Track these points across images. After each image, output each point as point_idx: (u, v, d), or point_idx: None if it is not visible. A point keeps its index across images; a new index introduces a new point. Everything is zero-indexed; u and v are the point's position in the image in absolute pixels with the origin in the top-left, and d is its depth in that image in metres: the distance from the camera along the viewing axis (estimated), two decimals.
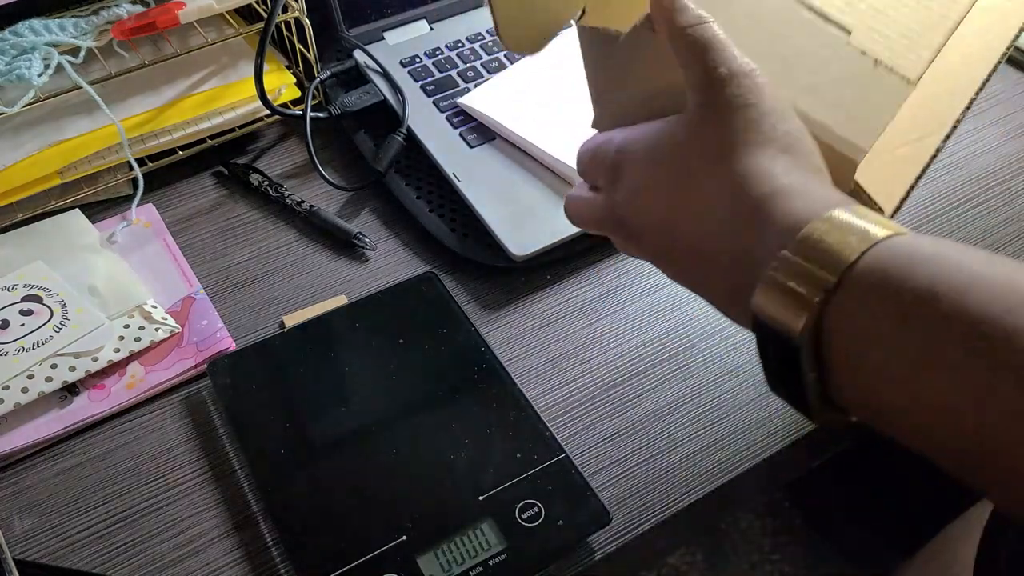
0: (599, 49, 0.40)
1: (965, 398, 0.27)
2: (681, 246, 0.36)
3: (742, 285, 0.33)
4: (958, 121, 0.42)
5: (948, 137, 0.42)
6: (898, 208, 0.41)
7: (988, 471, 0.27)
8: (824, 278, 0.30)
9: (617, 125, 0.40)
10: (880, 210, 0.40)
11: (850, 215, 0.31)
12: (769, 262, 0.31)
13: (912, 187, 0.41)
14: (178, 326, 0.57)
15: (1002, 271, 0.27)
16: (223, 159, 0.69)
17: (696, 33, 0.36)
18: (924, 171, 0.42)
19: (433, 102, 0.69)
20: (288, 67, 0.71)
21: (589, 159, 0.40)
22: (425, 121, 0.68)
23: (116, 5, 0.65)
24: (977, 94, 0.43)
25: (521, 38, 0.39)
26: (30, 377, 0.53)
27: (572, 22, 0.41)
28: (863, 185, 0.39)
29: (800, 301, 0.30)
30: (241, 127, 0.70)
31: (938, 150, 0.42)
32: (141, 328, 0.56)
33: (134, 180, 0.65)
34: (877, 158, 0.39)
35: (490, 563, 0.45)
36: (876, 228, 0.30)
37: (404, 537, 0.46)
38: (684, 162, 0.36)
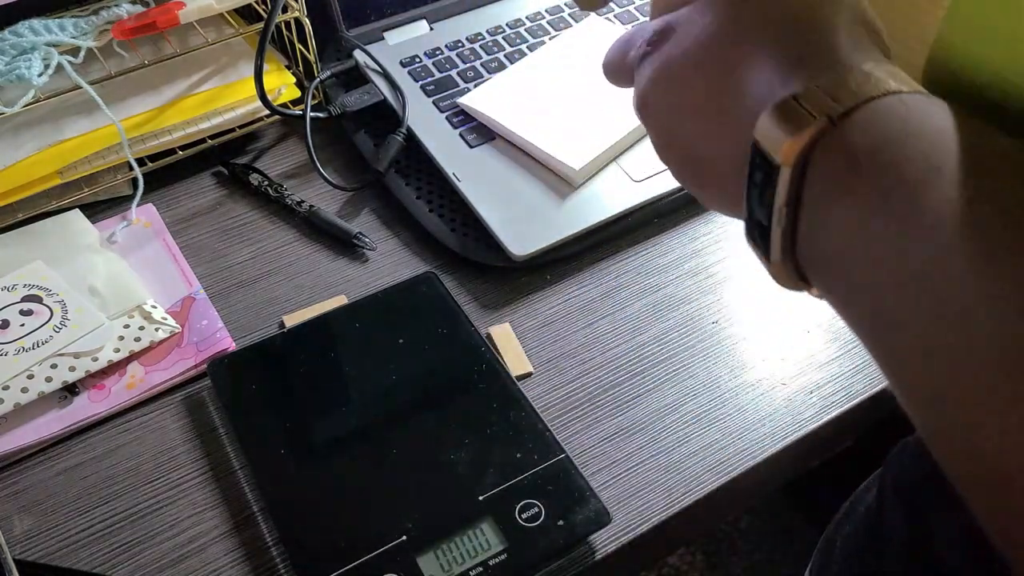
0: None
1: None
2: (707, 100, 0.33)
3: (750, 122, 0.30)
4: None
5: None
6: None
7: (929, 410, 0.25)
8: (830, 105, 0.27)
9: None
10: None
11: (889, 68, 0.28)
12: (788, 91, 0.29)
13: None
14: (178, 326, 0.57)
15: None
16: (223, 159, 0.69)
17: None
18: None
19: (433, 102, 0.69)
20: (288, 67, 0.71)
21: (628, 38, 0.37)
22: (425, 121, 0.68)
23: (116, 5, 0.65)
24: None
25: None
26: (30, 377, 0.53)
27: None
28: None
29: (798, 121, 0.27)
30: (241, 127, 0.70)
31: None
32: (141, 328, 0.56)
33: (134, 180, 0.65)
34: None
35: (490, 563, 0.45)
36: (905, 85, 0.27)
37: (404, 537, 0.46)
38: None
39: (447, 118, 0.68)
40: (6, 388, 0.52)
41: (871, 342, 0.27)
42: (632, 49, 0.36)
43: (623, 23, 0.75)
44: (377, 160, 0.66)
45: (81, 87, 0.61)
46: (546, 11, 0.77)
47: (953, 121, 0.26)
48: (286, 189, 0.67)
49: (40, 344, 0.54)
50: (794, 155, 0.27)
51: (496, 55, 0.73)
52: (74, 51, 0.62)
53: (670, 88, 0.34)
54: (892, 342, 0.26)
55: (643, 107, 0.36)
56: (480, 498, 0.47)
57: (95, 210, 0.66)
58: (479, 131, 0.67)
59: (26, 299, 0.57)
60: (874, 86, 0.27)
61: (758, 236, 0.30)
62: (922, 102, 0.27)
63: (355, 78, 0.72)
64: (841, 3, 0.31)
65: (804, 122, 0.27)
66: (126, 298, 0.58)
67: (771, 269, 0.30)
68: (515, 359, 0.56)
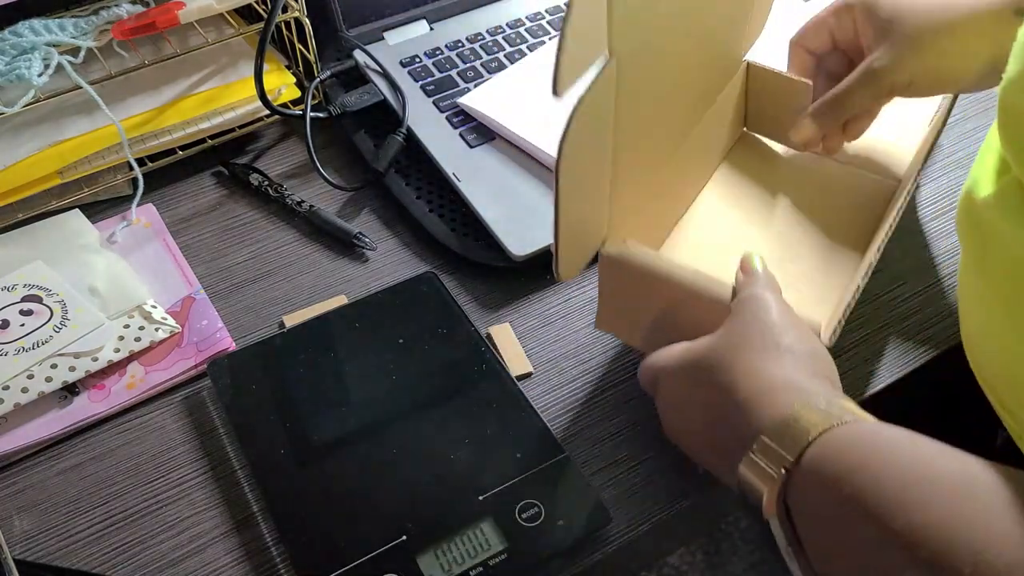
0: (617, 272, 0.49)
1: None
2: (698, 435, 0.44)
3: (736, 461, 0.39)
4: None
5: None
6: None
7: None
8: (783, 458, 0.35)
9: (618, 329, 0.53)
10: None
11: (823, 403, 0.36)
12: (752, 443, 0.37)
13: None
14: (178, 326, 0.57)
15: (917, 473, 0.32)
16: (223, 159, 0.69)
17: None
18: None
19: (433, 102, 0.69)
20: (288, 67, 0.71)
21: (640, 374, 0.48)
22: (425, 121, 0.68)
23: (116, 5, 0.65)
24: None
25: (571, 271, 0.47)
26: (30, 377, 0.53)
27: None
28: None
29: (766, 476, 0.36)
30: (241, 127, 0.70)
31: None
32: (141, 328, 0.56)
33: (134, 180, 0.65)
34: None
35: (490, 563, 0.45)
36: (836, 415, 0.36)
37: (404, 537, 0.46)
38: (705, 372, 0.42)
39: (447, 118, 0.68)
40: (6, 388, 0.52)
41: None
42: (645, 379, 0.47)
43: None
44: (377, 160, 0.66)
45: (81, 87, 0.61)
46: (546, 11, 0.77)
47: (885, 451, 0.34)
48: (286, 189, 0.67)
49: (40, 344, 0.54)
50: (772, 508, 0.36)
51: (496, 55, 0.73)
52: (74, 51, 0.62)
53: (674, 416, 0.45)
54: None
55: (661, 415, 0.46)
56: (480, 498, 0.47)
57: (95, 210, 0.66)
58: (479, 131, 0.67)
59: (26, 299, 0.57)
60: (816, 424, 0.35)
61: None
62: (853, 434, 0.35)
63: (355, 78, 0.72)
64: (785, 354, 0.40)
65: (768, 476, 0.36)
66: (126, 298, 0.58)
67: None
68: (515, 359, 0.56)
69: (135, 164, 0.64)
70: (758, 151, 0.64)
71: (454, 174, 0.64)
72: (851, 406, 0.37)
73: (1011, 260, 0.39)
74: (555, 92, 0.40)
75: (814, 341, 0.42)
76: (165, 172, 0.68)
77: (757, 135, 0.65)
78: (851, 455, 0.34)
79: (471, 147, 0.66)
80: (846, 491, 0.33)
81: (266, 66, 0.65)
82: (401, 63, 0.72)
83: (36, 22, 0.62)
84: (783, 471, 0.35)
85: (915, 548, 0.30)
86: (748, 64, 0.61)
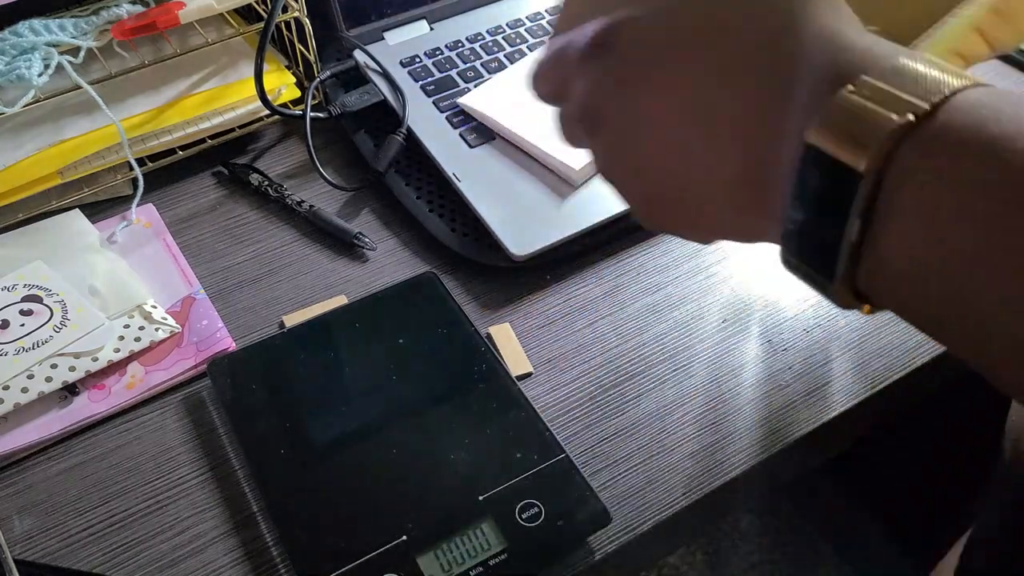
0: None
1: None
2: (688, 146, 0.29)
3: (773, 141, 0.26)
4: None
5: None
6: None
7: None
8: (914, 104, 0.24)
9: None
10: None
11: (942, 64, 0.25)
12: (835, 90, 0.25)
13: None
14: (178, 326, 0.57)
15: None
16: (223, 159, 0.69)
17: None
18: None
19: (433, 102, 0.69)
20: (288, 67, 0.71)
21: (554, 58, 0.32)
22: (425, 121, 0.68)
23: (116, 5, 0.65)
24: None
25: None
26: (30, 377, 0.53)
27: None
28: None
29: (879, 124, 0.24)
30: (241, 127, 0.70)
31: None
32: (141, 328, 0.56)
33: (134, 180, 0.65)
34: None
35: (490, 563, 0.45)
36: (967, 79, 0.25)
37: (404, 537, 0.46)
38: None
39: (447, 118, 0.68)
40: (6, 388, 0.52)
41: (959, 341, 0.25)
42: (568, 57, 0.31)
43: None
44: (377, 160, 0.66)
45: (81, 87, 0.61)
46: (546, 11, 0.77)
47: None
48: (286, 189, 0.67)
49: (40, 344, 0.54)
50: (881, 158, 0.24)
51: (496, 55, 0.73)
52: (74, 51, 0.62)
53: (636, 96, 0.29)
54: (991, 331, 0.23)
55: (592, 119, 0.31)
56: (480, 498, 0.47)
57: (95, 210, 0.66)
58: (479, 131, 0.67)
59: (26, 299, 0.57)
60: (943, 82, 0.24)
61: (813, 255, 0.27)
62: (998, 94, 0.24)
63: (355, 78, 0.72)
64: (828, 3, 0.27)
65: (884, 121, 0.24)
66: (126, 298, 0.58)
67: (833, 288, 0.27)
68: (515, 359, 0.56)
69: (135, 164, 0.64)
70: None
71: (454, 174, 0.64)
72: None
73: None
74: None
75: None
76: (165, 172, 0.68)
77: None
78: (1005, 109, 0.23)
79: (471, 147, 0.66)
80: (1002, 150, 0.23)
81: (266, 66, 0.65)
82: (401, 63, 0.72)
83: (36, 22, 0.62)
84: (911, 117, 0.24)
85: None
86: None
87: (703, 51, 0.28)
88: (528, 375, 0.56)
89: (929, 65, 0.25)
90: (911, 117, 0.24)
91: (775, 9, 0.27)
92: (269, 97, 0.66)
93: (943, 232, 0.24)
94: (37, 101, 0.60)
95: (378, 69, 0.71)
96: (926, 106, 0.24)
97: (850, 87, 0.25)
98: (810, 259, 0.27)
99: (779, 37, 0.27)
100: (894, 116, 0.24)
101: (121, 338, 0.56)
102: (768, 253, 0.62)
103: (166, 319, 0.57)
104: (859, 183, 0.24)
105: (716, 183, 0.29)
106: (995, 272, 0.23)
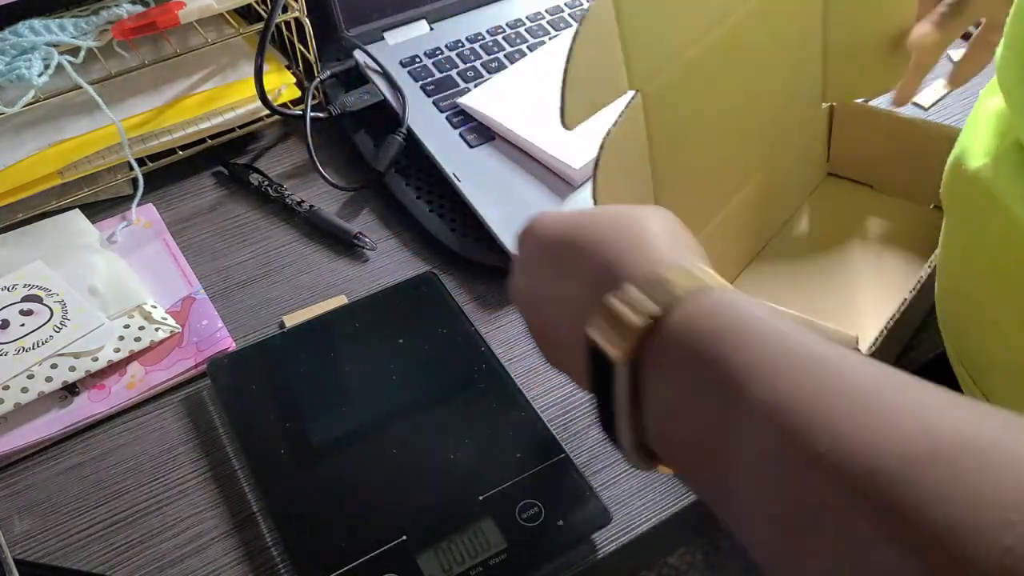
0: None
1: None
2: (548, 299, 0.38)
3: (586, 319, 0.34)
4: None
5: None
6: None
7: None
8: (650, 308, 0.30)
9: None
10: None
11: (699, 273, 0.32)
12: (613, 292, 0.32)
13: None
14: (178, 326, 0.57)
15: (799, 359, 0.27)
16: (223, 159, 0.69)
17: None
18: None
19: (433, 102, 0.69)
20: (288, 67, 0.71)
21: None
22: (425, 121, 0.68)
23: (116, 5, 0.65)
24: None
25: (577, 119, 0.44)
26: (30, 377, 0.53)
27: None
28: None
29: (623, 329, 0.31)
30: (241, 127, 0.70)
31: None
32: (141, 328, 0.56)
33: (134, 180, 0.65)
34: None
35: (490, 563, 0.45)
36: (710, 283, 0.31)
37: (404, 537, 0.46)
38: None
39: (447, 118, 0.68)
40: (6, 388, 0.52)
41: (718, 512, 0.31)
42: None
43: None
44: (377, 160, 0.66)
45: (81, 87, 0.61)
46: (546, 11, 0.77)
47: (763, 321, 0.29)
48: (286, 189, 0.67)
49: (40, 344, 0.54)
50: (625, 354, 0.30)
51: (496, 55, 0.73)
52: (74, 51, 0.62)
53: (523, 275, 0.40)
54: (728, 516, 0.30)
55: (513, 291, 0.41)
56: (480, 498, 0.47)
57: (95, 210, 0.66)
58: (479, 131, 0.67)
59: (26, 299, 0.57)
60: (688, 285, 0.31)
61: (607, 426, 0.33)
62: (736, 299, 0.30)
63: (355, 78, 0.72)
64: (650, 219, 0.36)
65: (628, 326, 0.30)
66: (126, 298, 0.58)
67: (623, 454, 0.33)
68: None
69: (135, 164, 0.64)
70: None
71: (454, 174, 0.64)
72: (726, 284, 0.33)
73: (1005, 230, 0.38)
74: (564, 125, 0.42)
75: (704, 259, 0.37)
76: (165, 172, 0.68)
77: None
78: (722, 319, 0.29)
79: (471, 147, 0.66)
80: (710, 354, 0.28)
81: (266, 66, 0.65)
82: (401, 63, 0.72)
83: (36, 22, 0.62)
84: (650, 320, 0.30)
85: (772, 417, 0.26)
86: (833, 107, 0.63)
87: (564, 270, 0.37)
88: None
89: (681, 274, 0.31)
90: (648, 322, 0.30)
91: (601, 258, 0.35)
92: (269, 97, 0.66)
93: (668, 419, 0.30)
94: (37, 101, 0.60)
95: (378, 69, 0.71)
96: (659, 311, 0.30)
97: (617, 293, 0.32)
98: (605, 428, 0.33)
99: (600, 269, 0.35)
100: (636, 319, 0.30)
101: (121, 338, 0.56)
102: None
103: (166, 319, 0.57)
104: (615, 370, 0.31)
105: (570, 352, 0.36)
106: (700, 465, 0.30)
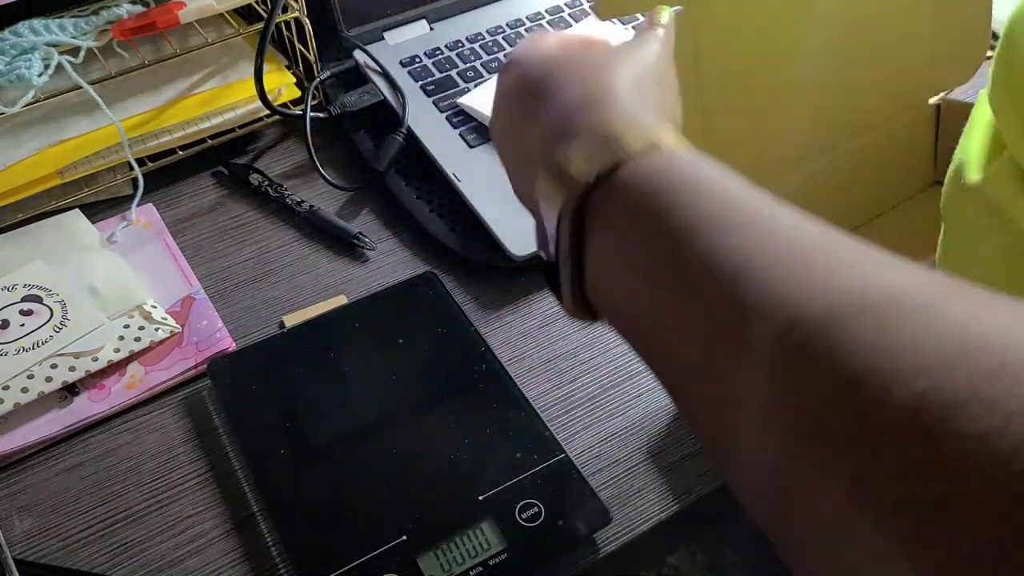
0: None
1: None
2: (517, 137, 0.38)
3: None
4: None
5: None
6: None
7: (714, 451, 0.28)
8: (594, 166, 0.30)
9: None
10: None
11: (656, 124, 0.32)
12: (567, 143, 0.32)
13: None
14: (178, 326, 0.57)
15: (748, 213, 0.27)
16: (223, 159, 0.69)
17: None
18: None
19: (433, 102, 0.69)
20: (288, 67, 0.71)
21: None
22: (425, 121, 0.68)
23: (116, 5, 0.65)
24: None
25: (611, 10, 0.42)
26: (30, 377, 0.53)
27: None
28: None
29: (566, 185, 0.31)
30: (241, 127, 0.70)
31: None
32: (141, 328, 0.56)
33: (134, 180, 0.65)
34: None
35: (490, 563, 0.45)
36: (665, 143, 0.31)
37: (404, 537, 0.46)
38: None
39: (447, 118, 0.68)
40: (6, 388, 0.52)
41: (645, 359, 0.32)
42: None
43: (623, 22, 0.75)
44: (377, 160, 0.66)
45: (81, 87, 0.61)
46: (546, 11, 0.77)
47: (708, 179, 0.29)
48: (286, 189, 0.67)
49: (40, 344, 0.54)
50: (568, 209, 0.31)
51: (496, 55, 0.73)
52: (74, 51, 0.62)
53: (497, 111, 0.40)
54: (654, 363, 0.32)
55: (490, 127, 0.41)
56: (480, 498, 0.47)
57: (95, 210, 0.66)
58: (479, 131, 0.67)
59: (26, 299, 0.57)
60: (638, 144, 0.31)
61: (553, 278, 0.34)
62: (684, 158, 0.30)
63: (355, 78, 0.72)
64: (621, 66, 0.36)
65: (574, 180, 0.31)
66: (126, 298, 0.58)
67: (564, 305, 0.34)
68: None
69: (135, 164, 0.64)
70: None
71: (454, 174, 0.64)
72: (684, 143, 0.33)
73: (1005, 244, 0.38)
74: (596, 13, 0.42)
75: (677, 100, 0.38)
76: (165, 172, 0.68)
77: None
78: (668, 177, 0.29)
79: (471, 147, 0.66)
80: (652, 212, 0.29)
81: (266, 66, 0.65)
82: (401, 63, 0.72)
83: (36, 22, 0.62)
84: (591, 178, 0.30)
85: (709, 271, 0.26)
86: (939, 107, 0.59)
87: (528, 115, 0.37)
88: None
89: (634, 132, 0.31)
90: (591, 179, 0.30)
91: (561, 110, 0.35)
92: (269, 97, 0.66)
93: (608, 275, 0.31)
94: (37, 101, 0.60)
95: (378, 69, 0.71)
96: (603, 169, 0.30)
97: (565, 150, 0.32)
98: (551, 282, 0.34)
99: (557, 120, 0.35)
100: (578, 176, 0.31)
101: (121, 338, 0.56)
102: None
103: (166, 319, 0.57)
104: (559, 224, 0.31)
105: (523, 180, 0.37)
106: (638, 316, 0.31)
